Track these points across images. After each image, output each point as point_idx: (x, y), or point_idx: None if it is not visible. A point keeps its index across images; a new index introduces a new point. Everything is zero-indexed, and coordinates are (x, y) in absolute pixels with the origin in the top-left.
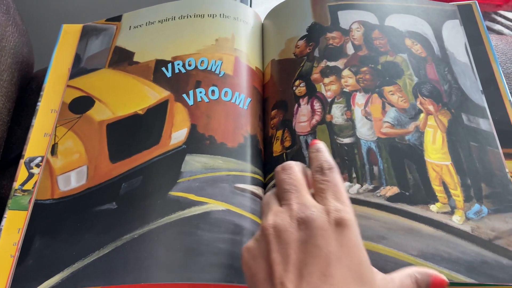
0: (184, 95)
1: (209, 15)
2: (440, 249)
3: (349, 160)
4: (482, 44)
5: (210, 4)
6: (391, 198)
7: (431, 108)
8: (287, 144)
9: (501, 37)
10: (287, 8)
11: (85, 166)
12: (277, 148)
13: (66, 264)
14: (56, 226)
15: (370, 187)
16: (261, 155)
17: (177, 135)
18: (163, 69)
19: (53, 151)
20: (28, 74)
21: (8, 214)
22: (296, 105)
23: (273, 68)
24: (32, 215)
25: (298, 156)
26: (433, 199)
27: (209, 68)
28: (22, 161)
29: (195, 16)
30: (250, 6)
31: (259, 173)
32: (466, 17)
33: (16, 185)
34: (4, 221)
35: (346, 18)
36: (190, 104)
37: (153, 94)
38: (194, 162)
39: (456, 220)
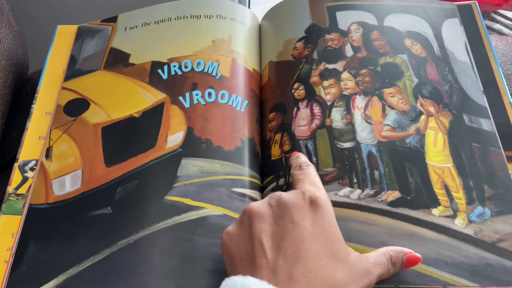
0: (181, 98)
1: (206, 16)
2: (442, 254)
3: (350, 165)
4: (482, 45)
5: (206, 4)
6: (392, 203)
7: (432, 109)
8: (286, 148)
9: (501, 37)
10: (285, 9)
11: (80, 170)
12: (275, 151)
13: (60, 270)
14: (51, 231)
15: (371, 192)
16: (259, 159)
17: (173, 138)
18: (159, 71)
19: (48, 154)
20: (23, 76)
21: (2, 218)
22: (295, 108)
23: (270, 70)
24: (26, 219)
25: None
26: (435, 202)
27: (205, 70)
28: (16, 165)
29: (192, 17)
30: (249, 6)
31: (256, 177)
32: (466, 17)
33: (10, 189)
34: None
35: (344, 19)
36: (186, 107)
37: (149, 97)
38: (190, 166)
39: (459, 223)
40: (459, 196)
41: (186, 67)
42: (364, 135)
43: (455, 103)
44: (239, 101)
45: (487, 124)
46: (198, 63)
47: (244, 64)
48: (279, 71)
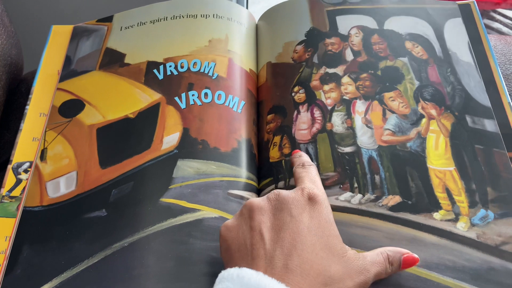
0: (176, 98)
1: (202, 16)
2: (444, 258)
3: (350, 170)
4: (481, 45)
5: (203, 4)
6: (393, 208)
7: (433, 112)
8: (286, 151)
9: (500, 37)
10: (284, 11)
11: (75, 171)
12: (274, 154)
13: (55, 273)
14: (45, 234)
15: (372, 196)
16: (255, 160)
17: (169, 139)
18: (155, 71)
19: (43, 156)
20: (17, 77)
21: None
22: (296, 111)
23: (268, 71)
24: (20, 222)
25: None
26: (437, 206)
27: (202, 70)
28: (9, 167)
29: (188, 16)
30: (247, 5)
31: (253, 178)
32: (466, 16)
33: (3, 191)
34: None
35: (344, 23)
36: (182, 107)
37: (145, 97)
38: (186, 168)
39: (461, 227)
40: (461, 199)
41: (182, 67)
42: (365, 139)
43: (458, 105)
44: (235, 101)
45: (491, 125)
46: (195, 63)
47: (240, 64)
48: (278, 72)
